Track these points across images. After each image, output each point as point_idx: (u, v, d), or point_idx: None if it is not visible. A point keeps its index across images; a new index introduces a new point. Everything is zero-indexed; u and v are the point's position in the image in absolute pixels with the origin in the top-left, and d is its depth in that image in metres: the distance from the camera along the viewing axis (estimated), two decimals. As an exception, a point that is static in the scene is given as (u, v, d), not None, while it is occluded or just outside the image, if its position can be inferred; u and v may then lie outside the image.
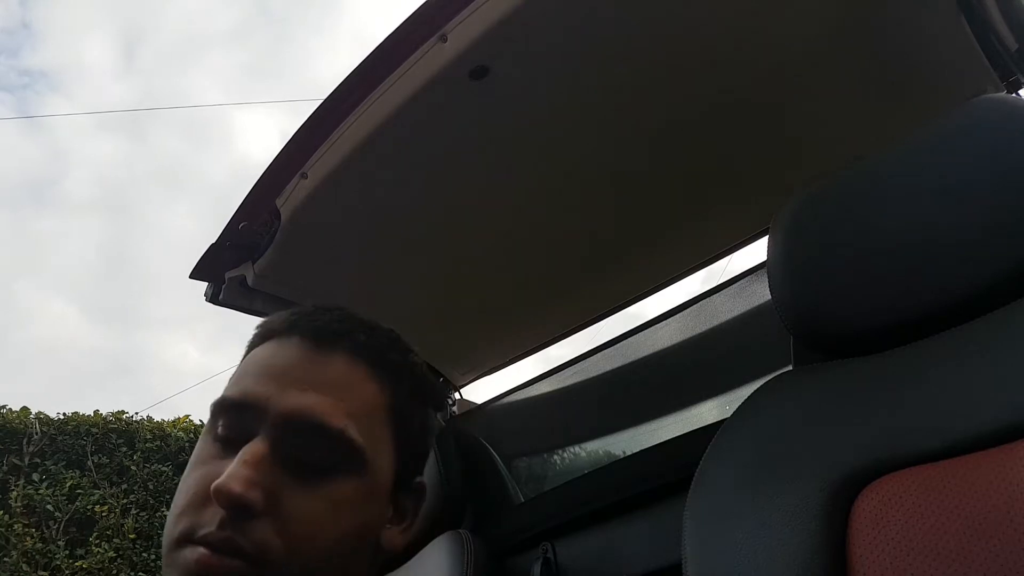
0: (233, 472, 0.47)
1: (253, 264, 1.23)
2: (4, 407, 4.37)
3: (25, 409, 4.41)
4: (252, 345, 0.59)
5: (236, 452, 0.49)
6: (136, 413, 4.74)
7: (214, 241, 1.19)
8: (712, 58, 1.02)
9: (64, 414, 4.52)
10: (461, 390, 1.65)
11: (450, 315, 1.48)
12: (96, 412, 4.62)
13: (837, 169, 0.74)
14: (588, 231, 1.33)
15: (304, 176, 1.10)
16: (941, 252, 0.61)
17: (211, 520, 0.47)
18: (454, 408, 1.64)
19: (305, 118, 1.05)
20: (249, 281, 1.24)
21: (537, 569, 1.10)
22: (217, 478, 0.47)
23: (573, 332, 1.58)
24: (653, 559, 0.97)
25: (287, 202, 1.14)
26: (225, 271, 1.24)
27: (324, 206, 1.14)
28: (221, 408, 0.53)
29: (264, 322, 0.60)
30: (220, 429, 0.52)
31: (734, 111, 1.11)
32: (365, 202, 1.17)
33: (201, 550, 0.47)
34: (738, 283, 1.28)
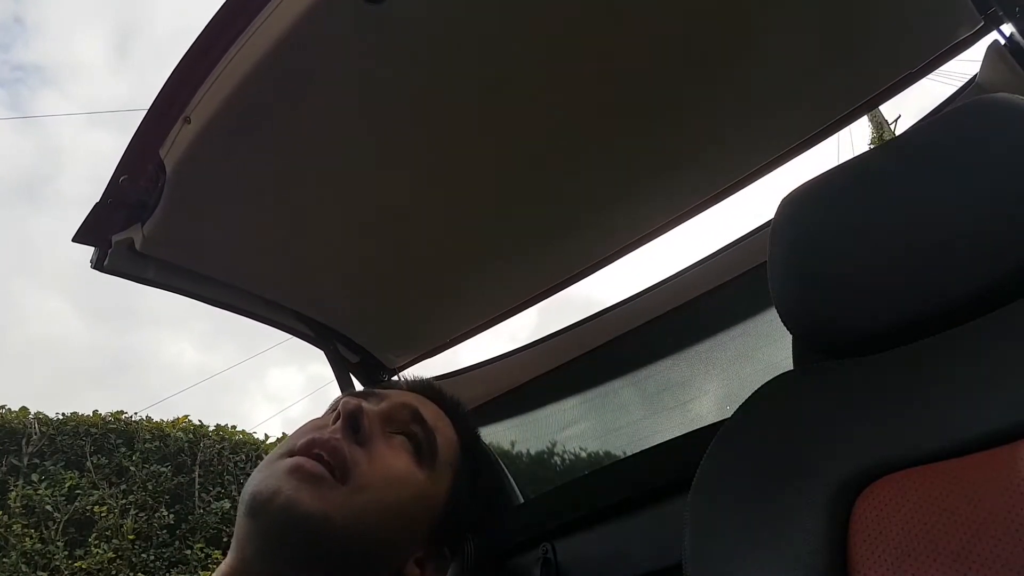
0: (350, 400, 0.62)
1: (142, 226, 1.07)
2: (3, 407, 4.38)
3: (24, 409, 4.41)
4: None
5: None
6: (135, 413, 4.74)
7: (98, 200, 1.03)
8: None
9: (63, 414, 4.52)
10: (400, 373, 1.46)
11: (376, 287, 1.29)
12: (95, 412, 4.62)
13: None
14: (530, 187, 1.15)
15: (187, 120, 0.94)
16: (941, 252, 0.61)
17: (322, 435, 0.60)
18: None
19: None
20: (137, 245, 1.08)
21: (537, 569, 1.10)
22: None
23: (524, 307, 1.39)
24: (653, 559, 0.96)
25: (170, 152, 0.98)
26: (111, 234, 1.08)
27: (213, 155, 0.98)
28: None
29: None
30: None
31: (689, 54, 0.99)
32: (258, 150, 1.00)
33: (299, 457, 0.58)
34: (738, 282, 1.28)
